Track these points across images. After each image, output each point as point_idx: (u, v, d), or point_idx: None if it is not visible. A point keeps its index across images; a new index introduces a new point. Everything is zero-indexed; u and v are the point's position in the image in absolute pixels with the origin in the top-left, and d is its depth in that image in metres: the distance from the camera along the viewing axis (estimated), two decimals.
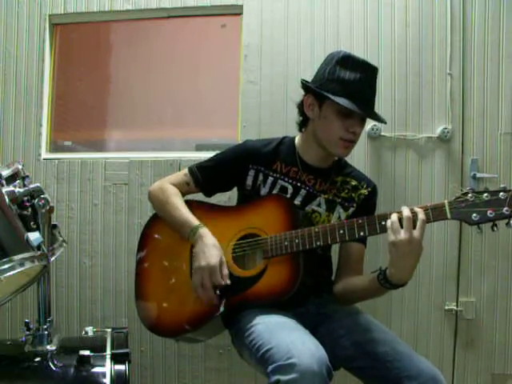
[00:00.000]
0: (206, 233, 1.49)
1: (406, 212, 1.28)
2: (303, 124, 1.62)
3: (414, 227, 1.27)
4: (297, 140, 1.65)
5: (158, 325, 1.57)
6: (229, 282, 1.43)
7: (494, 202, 1.26)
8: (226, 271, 1.44)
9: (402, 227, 1.27)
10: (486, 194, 1.27)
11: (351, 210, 1.58)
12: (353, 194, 1.60)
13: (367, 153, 2.02)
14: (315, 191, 1.58)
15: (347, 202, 1.59)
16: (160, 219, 1.65)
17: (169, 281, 1.57)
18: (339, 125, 1.49)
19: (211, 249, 1.45)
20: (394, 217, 1.29)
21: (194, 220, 1.53)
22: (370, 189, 1.62)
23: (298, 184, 1.59)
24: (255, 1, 2.07)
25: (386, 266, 1.34)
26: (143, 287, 1.62)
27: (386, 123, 1.59)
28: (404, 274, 1.32)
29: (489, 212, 1.25)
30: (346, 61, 1.49)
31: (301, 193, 1.58)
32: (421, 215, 1.28)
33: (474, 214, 1.27)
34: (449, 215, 1.29)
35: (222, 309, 1.44)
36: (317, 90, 1.51)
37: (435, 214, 1.30)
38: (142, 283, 1.63)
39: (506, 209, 1.24)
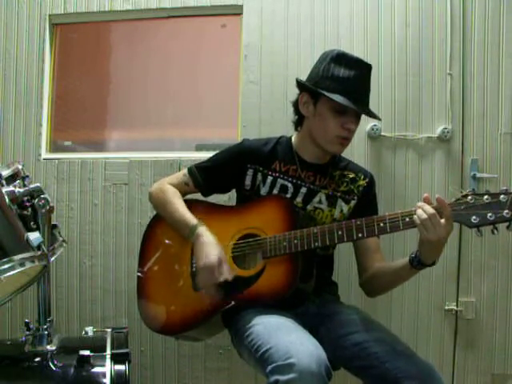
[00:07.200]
0: (204, 231, 1.49)
1: (428, 209, 1.26)
2: (299, 123, 1.63)
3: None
4: (293, 139, 1.66)
5: (158, 323, 1.57)
6: (230, 277, 1.43)
7: (494, 205, 1.23)
8: (226, 267, 1.44)
9: (431, 223, 1.25)
10: (486, 197, 1.25)
11: (353, 202, 1.60)
12: (352, 187, 1.61)
13: (367, 153, 2.02)
14: (315, 187, 1.59)
15: (347, 194, 1.60)
16: (161, 220, 1.65)
17: (171, 280, 1.57)
18: (334, 122, 1.50)
19: (209, 247, 1.46)
20: (421, 213, 1.26)
21: (192, 219, 1.53)
22: (367, 179, 1.64)
23: (299, 182, 1.59)
24: (255, 1, 2.07)
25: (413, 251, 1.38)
26: (146, 287, 1.63)
27: (380, 119, 1.60)
28: (437, 255, 1.33)
29: (489, 215, 1.23)
30: (340, 58, 1.50)
31: (301, 190, 1.58)
32: (446, 210, 1.26)
33: (474, 217, 1.25)
34: None
35: (232, 302, 1.45)
36: (312, 88, 1.52)
37: None
38: (144, 283, 1.63)
39: (506, 212, 1.22)
